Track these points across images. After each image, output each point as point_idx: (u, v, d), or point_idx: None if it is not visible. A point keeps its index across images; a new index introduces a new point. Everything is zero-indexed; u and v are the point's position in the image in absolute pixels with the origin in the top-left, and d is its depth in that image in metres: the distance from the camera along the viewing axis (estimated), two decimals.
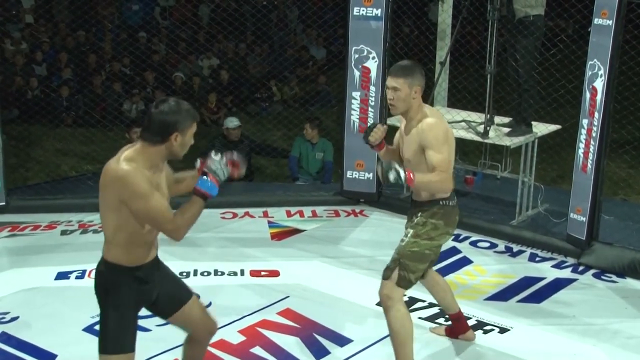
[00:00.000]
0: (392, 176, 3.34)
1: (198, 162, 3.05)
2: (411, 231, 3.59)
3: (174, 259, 5.08)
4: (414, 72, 3.51)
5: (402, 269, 3.54)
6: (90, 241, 5.43)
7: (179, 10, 12.37)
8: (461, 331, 4.07)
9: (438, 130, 3.45)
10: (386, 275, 3.58)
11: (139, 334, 3.03)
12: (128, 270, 2.92)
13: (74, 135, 8.83)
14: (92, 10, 10.32)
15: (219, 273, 4.92)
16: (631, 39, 5.17)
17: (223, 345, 3.99)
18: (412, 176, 3.35)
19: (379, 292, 3.60)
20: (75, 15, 10.94)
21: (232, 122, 7.40)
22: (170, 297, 3.11)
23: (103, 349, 2.93)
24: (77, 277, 4.81)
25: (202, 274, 4.90)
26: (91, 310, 4.25)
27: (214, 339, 3.98)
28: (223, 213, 6.03)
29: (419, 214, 3.60)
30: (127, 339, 2.94)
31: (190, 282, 4.67)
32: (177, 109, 2.84)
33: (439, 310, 4.43)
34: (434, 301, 4.52)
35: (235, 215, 6.02)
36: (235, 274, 4.91)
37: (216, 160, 2.92)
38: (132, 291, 2.93)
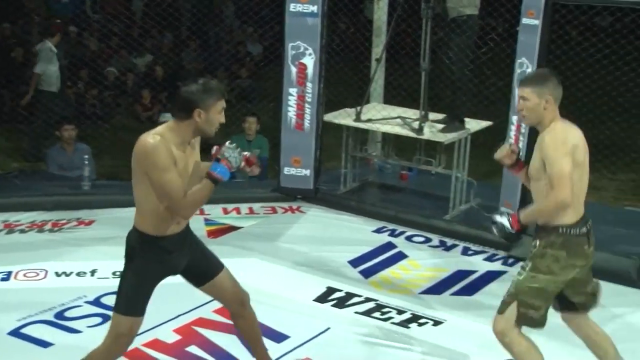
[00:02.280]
0: (495, 230, 3.23)
1: (214, 149, 3.16)
2: (530, 264, 3.23)
3: (108, 259, 5.03)
4: (546, 80, 3.21)
5: (522, 306, 3.22)
6: (16, 241, 5.32)
7: (110, 3, 12.13)
8: None
9: (556, 139, 3.13)
10: (501, 310, 3.27)
11: None
12: (153, 239, 3.09)
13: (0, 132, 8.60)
14: (17, 2, 9.99)
15: None
16: (556, 38, 5.35)
17: (157, 345, 3.96)
18: (517, 220, 3.17)
19: (492, 328, 3.31)
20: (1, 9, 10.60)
21: (165, 118, 7.31)
22: (200, 268, 3.29)
23: (115, 307, 3.16)
24: (1, 279, 4.67)
25: None
26: (17, 314, 4.22)
27: (147, 338, 4.01)
28: None
29: (537, 242, 3.24)
30: (138, 305, 3.14)
31: None
32: (200, 86, 2.99)
33: (375, 305, 4.50)
34: (370, 295, 4.61)
35: None
36: None
37: (230, 148, 3.03)
38: (154, 260, 3.11)
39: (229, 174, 3.01)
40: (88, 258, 5.02)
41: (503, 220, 3.21)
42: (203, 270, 3.31)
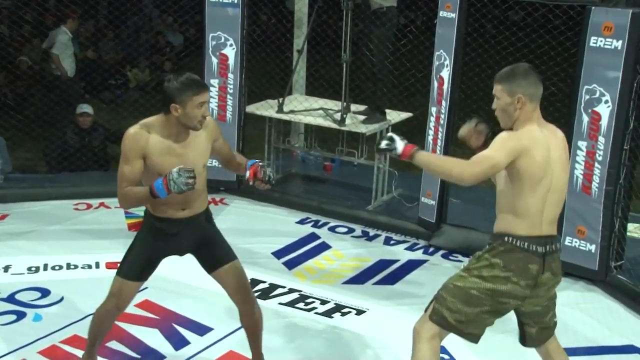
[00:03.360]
0: (384, 142, 2.93)
1: (250, 162, 3.29)
2: (467, 265, 3.05)
3: (22, 254, 4.87)
4: (518, 76, 2.89)
5: (438, 302, 2.99)
6: None
7: None
8: None
9: (504, 135, 2.87)
10: (426, 308, 3.07)
11: None
12: (153, 218, 3.24)
13: None
14: None
15: (72, 266, 4.75)
16: (472, 31, 5.46)
17: (76, 341, 3.86)
18: (410, 151, 2.90)
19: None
20: None
21: (82, 109, 7.13)
22: (209, 256, 3.38)
23: (117, 269, 3.32)
24: None
25: (52, 268, 4.71)
26: None
27: (64, 336, 3.90)
28: (76, 204, 5.81)
29: (485, 247, 3.01)
30: (132, 269, 3.28)
31: (40, 277, 4.56)
32: (176, 81, 3.05)
33: (299, 296, 4.51)
34: (294, 286, 4.62)
35: (89, 206, 5.81)
36: (89, 266, 4.76)
37: (177, 172, 2.96)
38: (152, 236, 3.27)
39: (165, 194, 2.99)
40: (1, 253, 4.84)
41: (397, 141, 2.92)
42: (211, 258, 3.38)
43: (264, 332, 3.57)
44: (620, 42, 4.40)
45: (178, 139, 3.12)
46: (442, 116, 5.19)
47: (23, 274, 4.60)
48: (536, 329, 3.10)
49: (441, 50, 5.14)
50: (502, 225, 2.97)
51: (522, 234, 2.92)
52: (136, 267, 3.29)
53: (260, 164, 3.27)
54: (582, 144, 4.62)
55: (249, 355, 3.64)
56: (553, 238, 2.99)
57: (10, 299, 4.29)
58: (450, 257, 5.19)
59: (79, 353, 3.75)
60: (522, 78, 2.90)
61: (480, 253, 3.01)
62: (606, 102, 4.51)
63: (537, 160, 2.85)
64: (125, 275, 3.28)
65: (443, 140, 5.20)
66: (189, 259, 5.09)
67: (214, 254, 3.38)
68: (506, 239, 2.93)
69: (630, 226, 4.97)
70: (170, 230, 3.25)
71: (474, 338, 3.03)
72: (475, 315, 2.95)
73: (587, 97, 4.58)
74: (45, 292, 4.39)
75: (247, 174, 3.26)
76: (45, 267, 4.71)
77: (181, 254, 3.43)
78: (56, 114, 7.72)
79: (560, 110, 5.36)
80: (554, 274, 2.99)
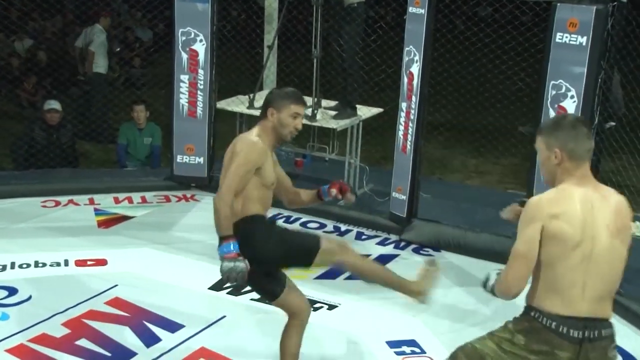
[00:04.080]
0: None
1: (328, 189, 3.43)
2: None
3: None
4: (558, 127, 2.52)
5: (451, 357, 2.71)
6: None
7: None
8: None
9: (530, 203, 2.51)
10: None
11: None
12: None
13: None
14: None
15: (40, 264, 4.68)
16: (441, 27, 5.49)
17: (45, 339, 3.81)
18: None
19: None
20: None
21: (50, 105, 7.03)
22: None
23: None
24: None
25: (20, 266, 4.64)
26: None
27: (33, 334, 3.84)
28: (44, 201, 5.72)
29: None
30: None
31: (7, 276, 4.49)
32: (279, 90, 3.27)
33: None
34: None
35: (58, 203, 5.73)
36: (58, 264, 4.69)
37: (232, 267, 3.02)
38: None
39: (221, 253, 3.07)
40: None
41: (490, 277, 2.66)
42: None
43: (235, 328, 3.56)
44: (585, 38, 4.45)
45: (271, 150, 3.23)
46: (412, 111, 5.20)
47: None
48: None
49: (411, 46, 5.15)
50: (531, 296, 2.54)
51: (552, 312, 2.46)
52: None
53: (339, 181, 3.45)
54: None
55: (221, 352, 3.62)
56: (596, 322, 2.48)
57: None
58: (421, 252, 5.21)
59: (48, 352, 3.71)
60: (561, 130, 2.51)
61: (508, 322, 2.61)
62: (572, 97, 4.56)
63: (572, 225, 2.44)
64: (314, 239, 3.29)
65: (413, 135, 5.22)
66: (161, 256, 5.07)
67: None
68: (532, 313, 2.51)
69: None
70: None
71: None
72: None
73: (554, 92, 4.63)
74: (12, 291, 4.32)
75: (333, 192, 3.39)
76: (13, 265, 4.64)
77: None
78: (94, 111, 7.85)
79: (527, 105, 5.41)
80: None
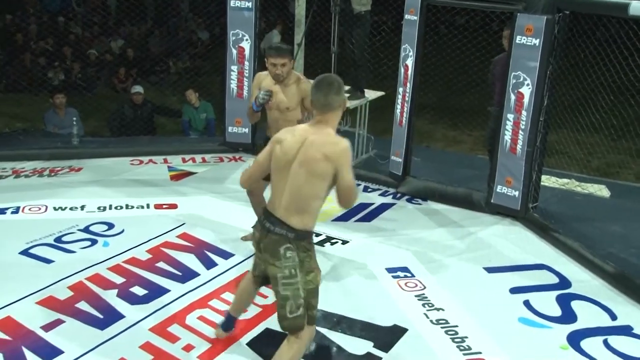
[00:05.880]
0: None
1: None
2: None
3: (94, 197, 4.82)
4: (313, 85, 2.57)
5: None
6: (22, 184, 5.05)
7: None
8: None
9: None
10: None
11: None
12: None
13: (5, 100, 8.08)
14: None
15: (130, 207, 4.69)
16: (429, 30, 5.34)
17: (135, 261, 3.85)
18: None
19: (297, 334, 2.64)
20: (2, 3, 9.92)
21: (136, 89, 7.02)
22: None
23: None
24: (12, 212, 4.44)
25: (115, 207, 4.66)
26: (26, 238, 4.05)
27: (126, 257, 3.88)
28: (132, 160, 5.72)
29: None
30: None
31: (107, 214, 4.52)
32: (271, 44, 3.68)
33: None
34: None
35: (141, 162, 5.72)
36: (142, 207, 4.70)
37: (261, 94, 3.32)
38: None
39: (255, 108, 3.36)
40: (78, 196, 4.79)
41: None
42: None
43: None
44: (537, 40, 4.31)
45: (274, 82, 3.44)
46: (407, 95, 5.09)
47: (94, 211, 4.55)
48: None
49: (406, 45, 5.02)
50: None
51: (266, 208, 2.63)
52: None
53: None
54: (510, 116, 4.55)
55: None
56: (281, 222, 2.56)
57: (86, 230, 4.25)
58: (413, 201, 5.15)
59: (137, 270, 3.75)
60: (312, 87, 2.59)
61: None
62: (528, 85, 4.43)
63: (280, 149, 2.57)
64: None
65: (408, 112, 5.13)
66: (217, 202, 5.06)
67: None
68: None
69: (544, 177, 4.95)
70: None
71: None
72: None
73: (514, 81, 4.49)
74: (110, 226, 4.35)
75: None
76: (110, 207, 4.66)
77: None
78: None
79: (495, 90, 5.28)
80: (261, 240, 2.62)
